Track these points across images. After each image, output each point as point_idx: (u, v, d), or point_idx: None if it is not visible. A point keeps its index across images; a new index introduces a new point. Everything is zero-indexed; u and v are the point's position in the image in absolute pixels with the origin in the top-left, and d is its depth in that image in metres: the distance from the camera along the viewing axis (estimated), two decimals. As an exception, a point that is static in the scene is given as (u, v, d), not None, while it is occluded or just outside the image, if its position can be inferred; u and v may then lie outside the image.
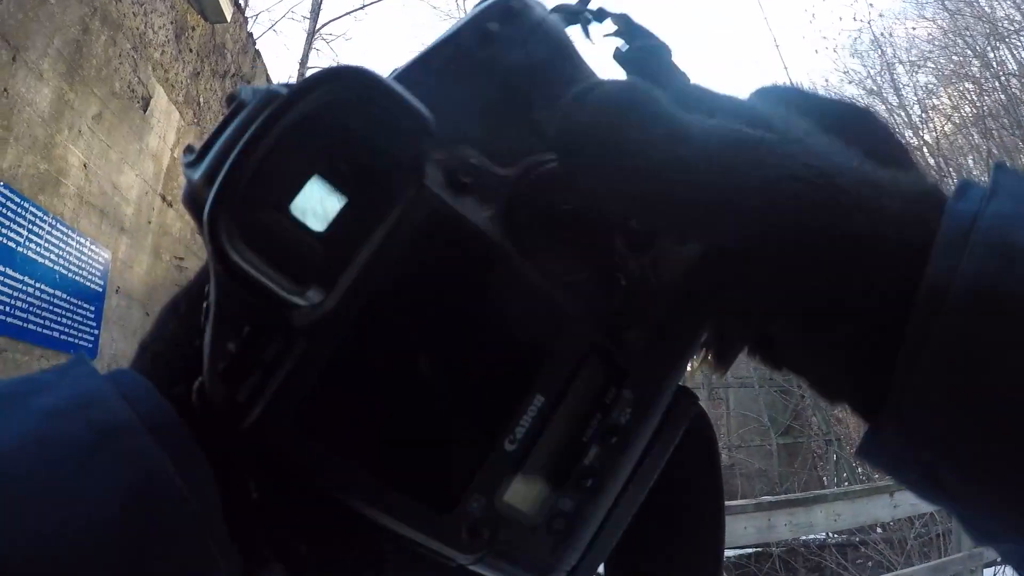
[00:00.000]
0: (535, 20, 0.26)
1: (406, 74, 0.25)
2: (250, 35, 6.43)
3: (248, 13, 6.61)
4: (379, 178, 0.21)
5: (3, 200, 3.31)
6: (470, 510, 0.23)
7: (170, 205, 5.06)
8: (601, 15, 0.31)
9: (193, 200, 0.20)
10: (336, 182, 0.20)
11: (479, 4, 0.27)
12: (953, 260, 0.21)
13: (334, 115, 0.20)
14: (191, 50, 5.26)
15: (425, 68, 0.25)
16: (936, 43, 13.17)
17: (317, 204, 0.20)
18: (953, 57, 12.77)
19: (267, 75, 7.06)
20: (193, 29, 5.25)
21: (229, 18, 5.64)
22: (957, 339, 0.21)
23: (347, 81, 0.20)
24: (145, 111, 4.62)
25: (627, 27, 0.31)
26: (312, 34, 9.88)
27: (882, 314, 0.22)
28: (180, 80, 5.13)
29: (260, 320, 0.21)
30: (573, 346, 0.24)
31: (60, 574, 0.18)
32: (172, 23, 4.92)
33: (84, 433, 0.20)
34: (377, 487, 0.22)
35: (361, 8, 10.84)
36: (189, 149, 0.21)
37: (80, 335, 3.95)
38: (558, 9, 0.30)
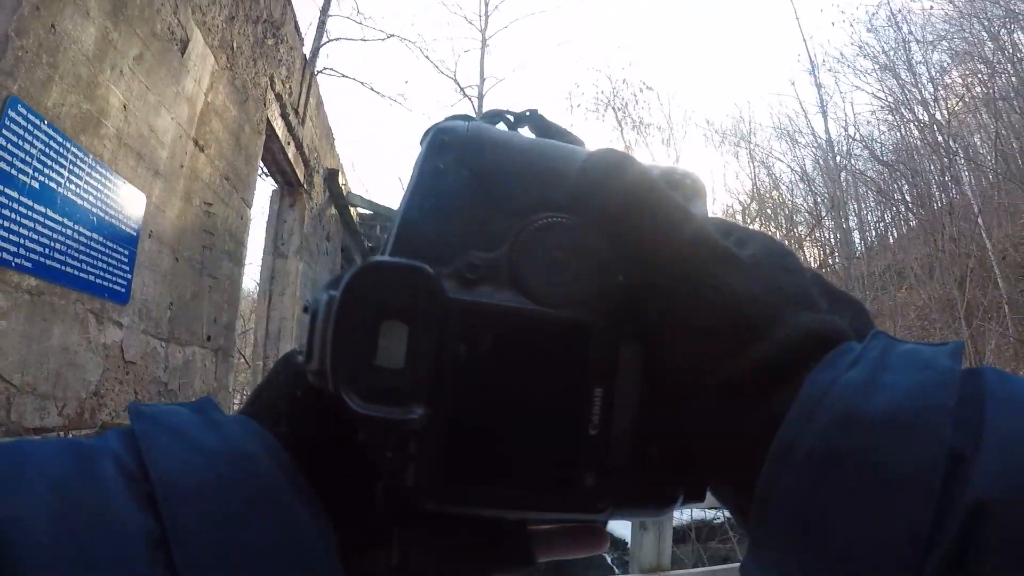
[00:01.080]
0: (462, 142, 0.34)
1: (404, 227, 0.32)
2: (285, -22, 6.27)
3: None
4: (416, 312, 0.29)
5: (47, 140, 3.26)
6: (587, 483, 0.31)
7: (201, 150, 5.00)
8: (519, 120, 0.41)
9: (323, 379, 0.28)
10: (393, 328, 0.28)
11: (423, 147, 0.35)
12: (800, 428, 0.25)
13: (373, 291, 0.28)
14: (230, -6, 5.14)
15: (411, 216, 0.32)
16: (952, 23, 13.11)
17: (389, 349, 0.28)
18: (967, 37, 12.60)
19: (295, 22, 6.92)
20: (233, -29, 5.13)
21: (267, -39, 5.50)
22: (797, 497, 0.24)
23: (368, 272, 0.29)
24: (183, 54, 4.53)
25: (540, 125, 0.42)
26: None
27: (747, 472, 0.27)
28: (216, 24, 5.02)
29: (395, 438, 0.29)
30: (604, 342, 0.31)
31: None
32: (213, -36, 4.80)
33: (253, 487, 0.26)
34: (520, 495, 0.30)
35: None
36: (299, 350, 0.31)
37: (114, 279, 3.93)
38: (485, 116, 0.41)
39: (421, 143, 0.36)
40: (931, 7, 13.44)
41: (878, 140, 14.15)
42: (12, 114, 3.01)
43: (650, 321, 0.31)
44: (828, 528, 0.23)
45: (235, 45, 5.41)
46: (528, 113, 0.42)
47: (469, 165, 0.34)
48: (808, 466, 0.24)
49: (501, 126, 0.42)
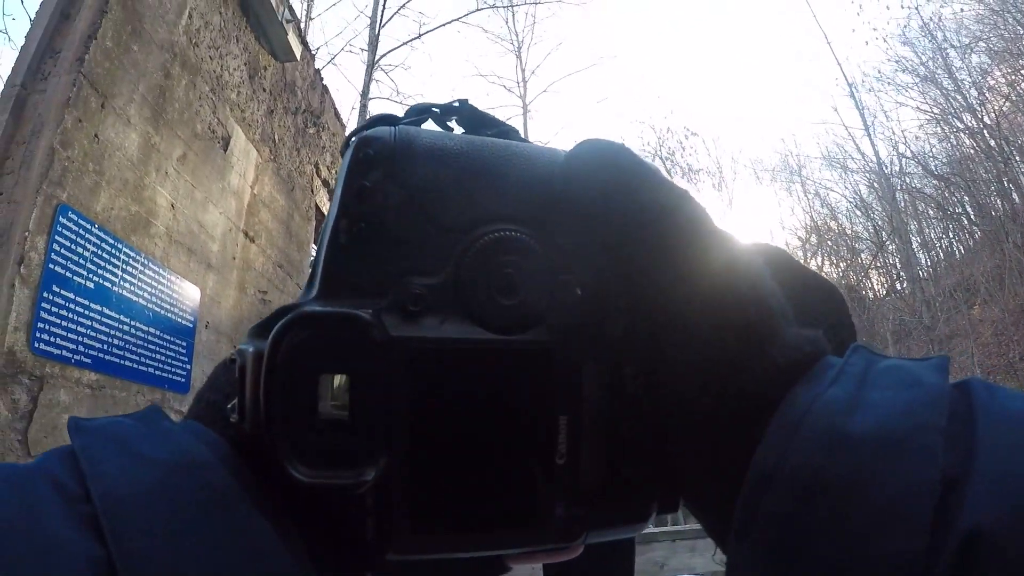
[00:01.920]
0: (390, 155, 0.30)
1: (329, 258, 0.29)
2: (317, 72, 6.61)
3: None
4: (356, 363, 0.26)
5: (98, 242, 3.45)
6: (557, 515, 0.28)
7: (252, 240, 5.20)
8: (447, 112, 0.37)
9: (259, 441, 0.26)
10: (333, 381, 0.26)
11: (345, 161, 0.30)
12: (781, 449, 0.23)
13: (305, 345, 0.26)
14: (264, 89, 5.43)
15: (337, 242, 0.29)
16: (985, 23, 13.01)
17: (331, 403, 0.26)
18: (1003, 35, 12.32)
19: (335, 109, 7.23)
20: (265, 69, 5.44)
21: (298, 56, 5.81)
22: (779, 522, 0.23)
23: (297, 324, 0.26)
24: (225, 150, 4.77)
25: (472, 117, 0.39)
26: (371, 66, 10.04)
27: (727, 495, 0.25)
28: (256, 119, 5.29)
29: (349, 497, 0.27)
30: (566, 365, 0.29)
31: None
32: (246, 64, 5.10)
33: (203, 495, 0.24)
34: (488, 536, 0.28)
35: (418, 37, 11.03)
36: (231, 408, 0.27)
37: (173, 370, 4.07)
38: (411, 112, 0.37)
39: (342, 154, 0.32)
40: (961, 10, 13.17)
41: (930, 154, 13.88)
42: (63, 220, 3.20)
43: (646, 345, 0.29)
44: (814, 558, 0.22)
45: (276, 137, 5.68)
46: (457, 103, 0.39)
47: (400, 181, 0.30)
48: (791, 491, 0.23)
49: (429, 124, 0.38)
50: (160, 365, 3.94)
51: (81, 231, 3.33)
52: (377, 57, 10.26)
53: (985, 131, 11.94)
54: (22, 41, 3.41)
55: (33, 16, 3.48)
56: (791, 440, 0.23)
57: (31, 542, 0.21)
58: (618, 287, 0.29)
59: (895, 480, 0.21)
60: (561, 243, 0.30)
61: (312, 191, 6.57)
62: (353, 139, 0.31)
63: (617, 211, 0.29)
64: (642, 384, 0.29)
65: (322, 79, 6.74)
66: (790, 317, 0.28)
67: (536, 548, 0.29)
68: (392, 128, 0.31)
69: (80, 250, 3.33)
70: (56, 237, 3.16)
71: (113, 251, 3.57)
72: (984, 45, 12.93)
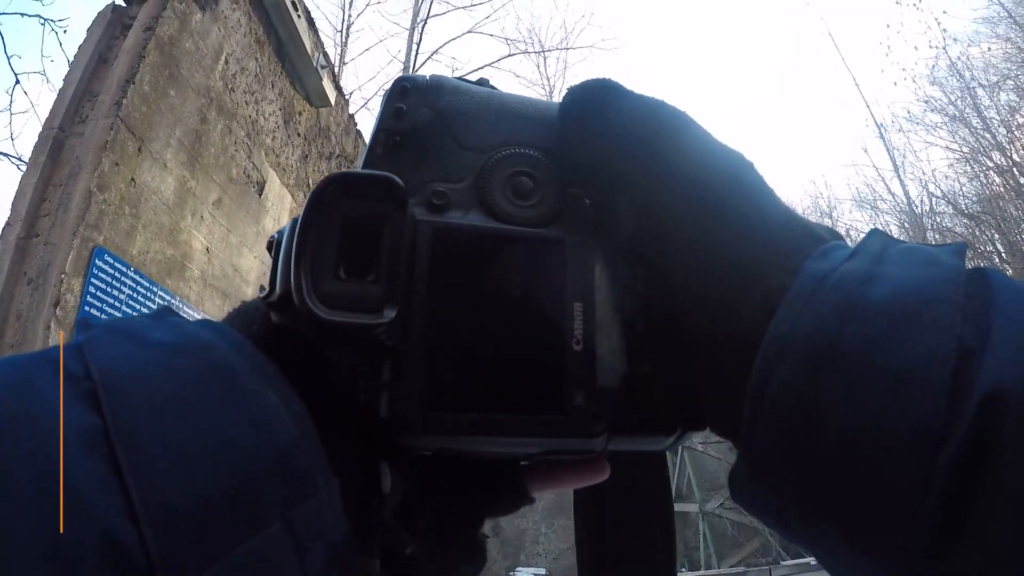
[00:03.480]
0: (423, 87, 0.34)
1: (367, 164, 0.31)
2: (351, 117, 6.69)
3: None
4: (386, 223, 0.27)
5: (133, 284, 3.43)
6: (577, 404, 0.28)
7: (287, 285, 5.19)
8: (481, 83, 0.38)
9: (287, 310, 0.27)
10: (360, 240, 0.27)
11: (385, 96, 0.34)
12: (795, 318, 0.23)
13: (339, 201, 0.27)
14: (299, 134, 5.48)
15: (375, 152, 0.32)
16: (1013, 60, 13.17)
17: (356, 262, 0.27)
18: None
19: (369, 156, 7.30)
20: (300, 114, 5.49)
21: (333, 102, 5.88)
22: (792, 391, 0.23)
23: (334, 182, 0.27)
24: (260, 195, 4.79)
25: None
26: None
27: (739, 364, 0.25)
28: (290, 164, 5.32)
29: (367, 358, 0.27)
30: (579, 254, 0.30)
31: (204, 477, 0.21)
32: (281, 110, 5.15)
33: (205, 369, 0.23)
34: (506, 421, 0.28)
35: (451, 83, 11.26)
36: (261, 288, 0.28)
37: (209, 416, 4.00)
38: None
39: (382, 100, 0.35)
40: (989, 48, 13.23)
41: (960, 193, 13.87)
42: (99, 263, 3.20)
43: (651, 249, 0.30)
44: (827, 423, 0.22)
45: (311, 182, 5.71)
46: (479, 81, 0.40)
47: (431, 106, 0.33)
48: (804, 358, 0.23)
49: None
50: (194, 410, 3.87)
51: (117, 274, 3.33)
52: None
53: (1015, 168, 12.02)
54: (60, 83, 3.46)
55: (71, 59, 3.53)
56: (805, 308, 0.23)
57: (17, 410, 0.20)
58: (624, 198, 0.30)
59: (912, 347, 0.21)
60: (571, 166, 0.32)
61: (346, 236, 6.57)
62: (395, 79, 0.35)
63: (609, 127, 0.30)
64: (655, 286, 0.30)
65: (356, 124, 6.82)
66: (785, 208, 0.28)
67: (557, 440, 0.28)
68: (426, 76, 0.35)
69: (116, 292, 3.31)
70: (92, 279, 3.16)
71: (148, 294, 3.55)
72: (1012, 83, 13.02)
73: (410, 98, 0.33)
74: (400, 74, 0.34)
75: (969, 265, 0.24)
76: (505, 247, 0.29)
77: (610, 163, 0.30)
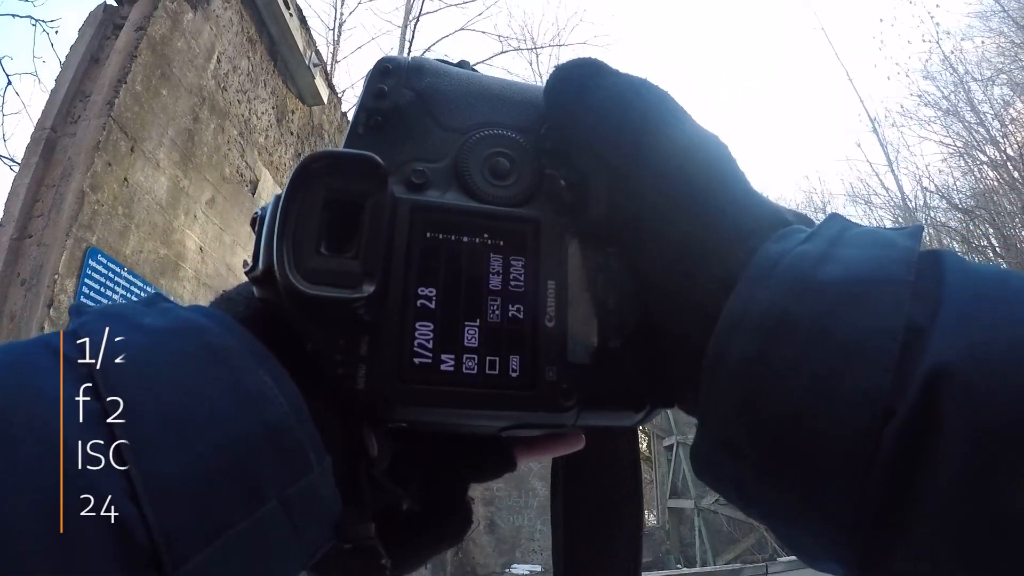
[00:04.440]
0: (405, 68, 0.34)
1: (349, 143, 0.32)
2: (344, 115, 6.68)
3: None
4: (367, 200, 0.28)
5: (127, 284, 3.43)
6: (548, 379, 0.29)
7: (281, 284, 5.18)
8: (462, 65, 0.39)
9: (269, 284, 0.28)
10: (341, 217, 0.28)
11: (367, 76, 0.35)
12: (750, 295, 0.24)
13: (321, 178, 0.28)
14: (292, 133, 5.47)
15: (356, 132, 0.33)
16: (1006, 55, 13.04)
17: (337, 238, 0.28)
18: None
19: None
20: (293, 113, 5.48)
21: (325, 100, 5.87)
22: (745, 365, 0.23)
23: (318, 159, 0.28)
24: (253, 194, 4.78)
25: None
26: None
27: (700, 340, 0.26)
28: (284, 162, 5.31)
29: (346, 333, 0.28)
30: (553, 234, 0.31)
31: (202, 457, 0.22)
32: (274, 108, 5.15)
33: (199, 351, 0.24)
34: (478, 394, 0.28)
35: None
36: (245, 263, 0.29)
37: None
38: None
39: (364, 81, 0.36)
40: (982, 43, 13.25)
41: (954, 187, 13.86)
42: (92, 263, 3.19)
43: (627, 226, 0.31)
44: (779, 395, 0.23)
45: (304, 182, 5.69)
46: (460, 63, 0.42)
47: (412, 87, 0.34)
48: (758, 333, 0.24)
49: None
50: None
51: (110, 274, 3.32)
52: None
53: (1008, 163, 11.95)
54: (52, 84, 3.45)
55: (63, 59, 3.52)
56: (760, 287, 0.24)
57: (20, 394, 0.21)
58: (599, 179, 0.32)
59: (862, 323, 0.22)
60: (548, 147, 0.33)
61: (340, 234, 6.55)
62: (378, 59, 0.36)
63: (589, 108, 0.31)
64: (626, 264, 0.31)
65: (349, 122, 6.80)
66: (754, 192, 0.29)
67: (529, 414, 0.29)
68: (408, 57, 0.36)
69: (109, 293, 3.31)
70: (85, 280, 3.15)
71: (142, 294, 3.48)
72: (1006, 77, 12.98)
73: (392, 79, 0.34)
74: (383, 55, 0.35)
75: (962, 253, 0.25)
76: (484, 225, 0.30)
77: (586, 142, 0.31)
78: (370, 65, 0.35)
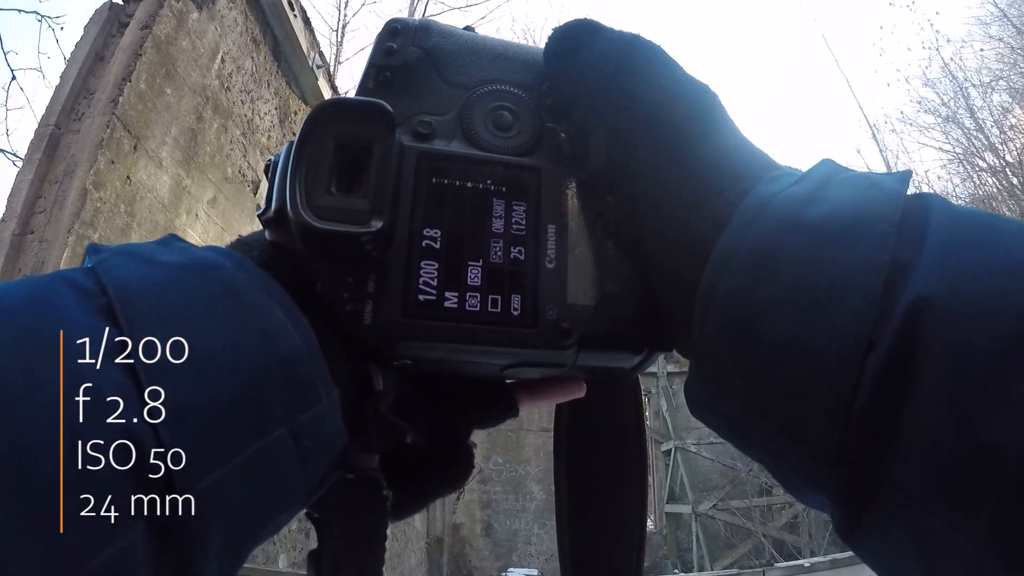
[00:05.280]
0: (413, 27, 0.36)
1: (359, 94, 0.34)
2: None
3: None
4: (375, 144, 0.29)
5: (129, 282, 3.41)
6: (549, 316, 0.30)
7: (281, 284, 5.19)
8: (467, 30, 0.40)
9: (281, 226, 0.29)
10: (351, 161, 0.29)
11: (377, 36, 0.36)
12: (740, 234, 0.25)
13: (332, 123, 0.29)
14: (294, 134, 5.41)
15: (366, 86, 0.34)
16: (1006, 61, 13.04)
17: (346, 179, 0.29)
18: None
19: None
20: (295, 113, 5.49)
21: (328, 101, 5.87)
22: (734, 302, 0.25)
23: (329, 106, 0.30)
24: (255, 194, 4.78)
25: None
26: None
27: (693, 281, 0.27)
28: (286, 163, 5.31)
29: (355, 270, 0.29)
30: (554, 181, 0.32)
31: (217, 383, 0.23)
32: (276, 109, 5.15)
33: (214, 286, 0.25)
34: (481, 330, 0.29)
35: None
36: (258, 207, 0.31)
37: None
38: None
39: (374, 41, 0.38)
40: (981, 49, 13.26)
41: (953, 194, 13.80)
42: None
43: (619, 176, 0.32)
44: (766, 330, 0.23)
45: (306, 182, 5.70)
46: (465, 27, 0.43)
47: (420, 45, 0.35)
48: (746, 269, 0.24)
49: None
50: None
51: (112, 272, 3.30)
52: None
53: (1007, 169, 11.92)
54: (56, 80, 3.46)
55: (68, 56, 3.53)
56: (749, 227, 0.25)
57: (41, 326, 0.21)
58: (597, 132, 0.33)
59: (847, 259, 0.23)
60: (548, 103, 0.35)
61: (341, 236, 6.56)
62: (387, 20, 0.37)
63: (584, 64, 0.32)
64: (623, 212, 0.32)
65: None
66: (744, 139, 0.30)
67: (530, 351, 0.30)
68: (415, 19, 0.38)
69: (110, 291, 3.29)
70: (87, 277, 3.13)
71: (143, 292, 3.53)
72: (1005, 83, 12.98)
73: (400, 37, 0.35)
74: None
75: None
76: (487, 172, 0.32)
77: (583, 96, 0.33)
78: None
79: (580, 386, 0.36)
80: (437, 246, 0.30)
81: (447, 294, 0.29)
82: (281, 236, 0.29)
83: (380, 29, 0.37)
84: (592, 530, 0.40)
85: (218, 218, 4.29)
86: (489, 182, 0.31)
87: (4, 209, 3.17)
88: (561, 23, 0.34)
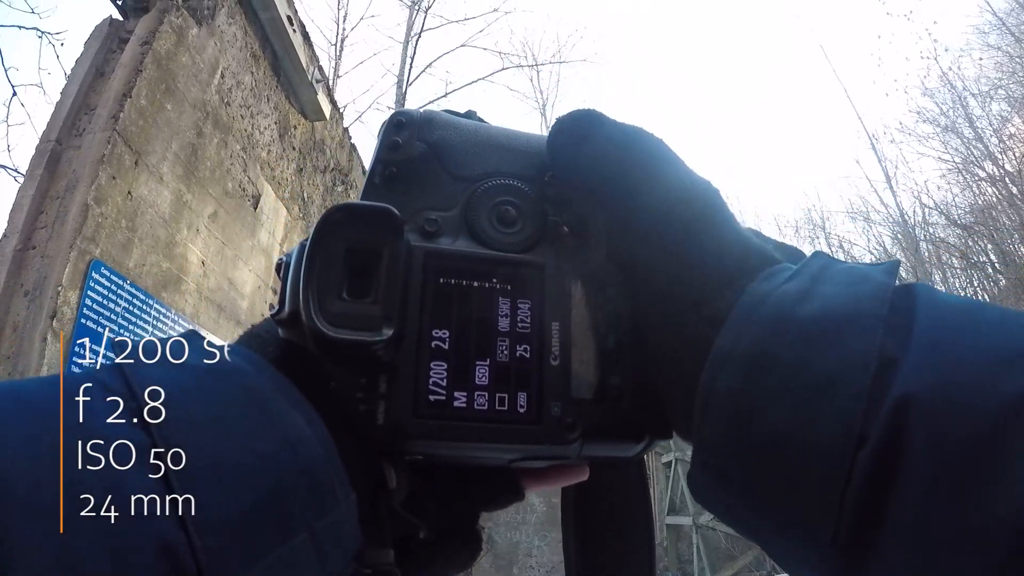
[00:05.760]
0: (418, 121, 0.37)
1: (366, 193, 0.35)
2: (346, 130, 6.70)
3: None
4: (384, 249, 0.31)
5: (129, 297, 3.42)
6: (553, 414, 0.31)
7: (281, 298, 5.17)
8: (469, 115, 0.42)
9: (294, 327, 0.30)
10: (361, 264, 0.30)
11: (382, 129, 0.38)
12: (736, 334, 0.27)
13: (343, 229, 0.30)
14: (294, 148, 5.49)
15: (373, 182, 0.35)
16: (1004, 70, 13.10)
17: (357, 285, 0.30)
18: (1023, 80, 12.39)
19: (363, 167, 7.30)
20: (295, 128, 5.51)
21: (327, 116, 5.90)
22: (732, 397, 0.26)
23: (339, 211, 0.31)
24: (256, 208, 4.79)
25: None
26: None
27: (692, 375, 0.28)
28: (285, 177, 5.33)
29: (367, 372, 0.30)
30: (557, 277, 0.34)
31: (244, 490, 0.24)
32: (276, 123, 5.17)
33: (239, 392, 0.26)
34: (488, 428, 0.31)
35: (444, 96, 11.27)
36: (271, 306, 0.32)
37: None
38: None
39: (379, 134, 0.39)
40: (980, 58, 13.30)
41: (952, 203, 13.81)
42: (96, 276, 3.19)
43: (625, 268, 0.33)
44: (763, 424, 0.25)
45: (306, 195, 5.72)
46: (467, 113, 0.45)
47: (424, 139, 0.36)
48: (743, 367, 0.26)
49: None
50: (189, 423, 3.85)
51: (113, 287, 3.31)
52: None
53: (1007, 178, 11.95)
54: (57, 96, 3.47)
55: (69, 72, 3.54)
56: (745, 325, 0.27)
57: (77, 430, 0.22)
58: (599, 224, 0.34)
59: (837, 356, 0.24)
60: (551, 195, 0.35)
61: (340, 249, 6.55)
62: (389, 114, 0.38)
63: (587, 157, 0.34)
64: (624, 304, 0.34)
65: (350, 137, 6.83)
66: (742, 234, 0.32)
67: (535, 447, 0.31)
68: (420, 109, 0.39)
69: (112, 305, 3.30)
70: (88, 292, 3.14)
71: (144, 307, 3.54)
72: (1004, 92, 13.02)
73: (405, 131, 0.36)
74: (395, 109, 0.40)
75: (937, 282, 0.26)
76: (493, 270, 0.33)
77: (586, 189, 0.34)
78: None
79: (584, 471, 0.37)
80: (446, 347, 0.31)
81: (456, 394, 0.30)
82: (295, 336, 0.30)
83: (385, 121, 0.38)
84: None
85: (219, 232, 4.29)
86: (495, 280, 0.32)
87: (6, 225, 3.18)
88: (564, 113, 0.35)
